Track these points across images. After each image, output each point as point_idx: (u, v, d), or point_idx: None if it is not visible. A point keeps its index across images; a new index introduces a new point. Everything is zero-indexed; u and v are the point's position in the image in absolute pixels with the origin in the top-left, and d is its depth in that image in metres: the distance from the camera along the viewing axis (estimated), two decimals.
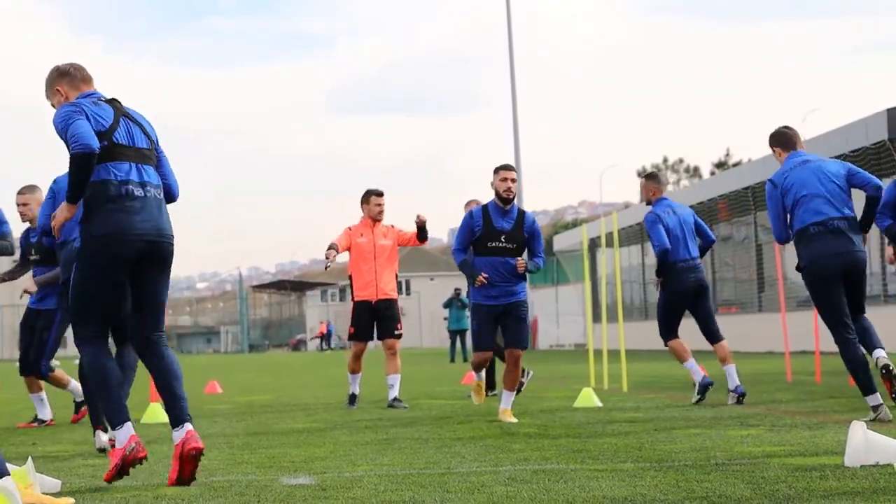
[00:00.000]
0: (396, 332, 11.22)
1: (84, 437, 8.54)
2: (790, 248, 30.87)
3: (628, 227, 39.04)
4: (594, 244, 36.38)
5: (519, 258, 9.05)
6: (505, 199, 9.03)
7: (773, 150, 8.61)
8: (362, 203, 11.31)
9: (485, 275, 8.95)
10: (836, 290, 8.06)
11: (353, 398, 11.24)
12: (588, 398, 10.42)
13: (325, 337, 79.14)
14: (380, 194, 11.30)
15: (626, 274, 39.77)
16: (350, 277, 11.40)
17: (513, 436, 7.70)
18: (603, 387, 13.13)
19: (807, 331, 17.87)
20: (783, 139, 8.53)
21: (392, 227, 11.35)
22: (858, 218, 8.23)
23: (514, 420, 8.86)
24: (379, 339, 11.34)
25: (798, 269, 8.30)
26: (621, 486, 5.01)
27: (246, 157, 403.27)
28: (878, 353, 8.31)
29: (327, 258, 11.02)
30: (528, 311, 9.25)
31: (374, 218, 11.21)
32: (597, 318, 24.30)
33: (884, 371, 8.18)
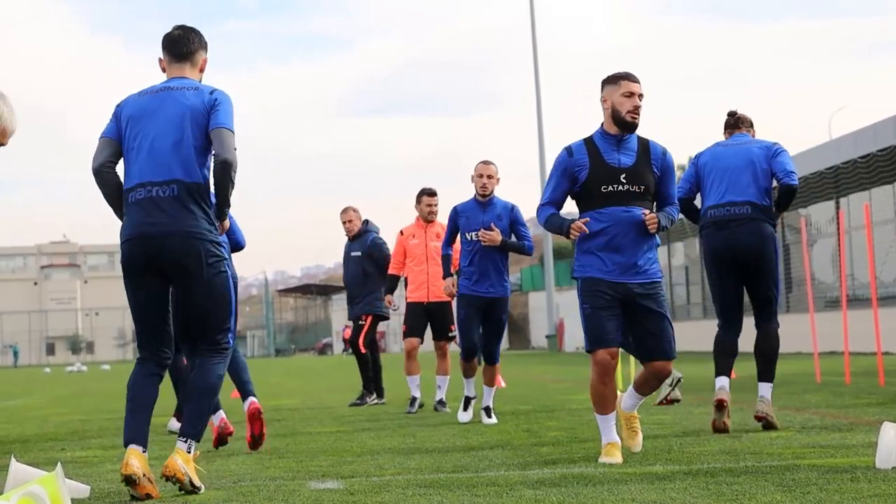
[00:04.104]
0: (450, 335, 11.22)
1: (113, 442, 8.58)
2: (818, 248, 30.39)
3: None
4: None
5: (646, 210, 6.22)
6: (625, 124, 6.18)
7: None
8: (416, 203, 11.24)
9: (585, 219, 6.14)
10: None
11: (413, 401, 10.92)
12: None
13: (347, 341, 79.36)
14: (431, 194, 11.14)
15: None
16: (405, 279, 11.42)
17: (540, 439, 7.68)
18: None
19: (836, 331, 17.77)
20: None
21: (443, 225, 11.31)
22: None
23: (639, 445, 6.65)
24: (433, 339, 11.39)
25: None
26: (650, 488, 4.99)
27: (265, 160, 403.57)
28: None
29: (389, 304, 11.63)
30: (665, 298, 6.38)
31: (426, 218, 11.14)
32: None
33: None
